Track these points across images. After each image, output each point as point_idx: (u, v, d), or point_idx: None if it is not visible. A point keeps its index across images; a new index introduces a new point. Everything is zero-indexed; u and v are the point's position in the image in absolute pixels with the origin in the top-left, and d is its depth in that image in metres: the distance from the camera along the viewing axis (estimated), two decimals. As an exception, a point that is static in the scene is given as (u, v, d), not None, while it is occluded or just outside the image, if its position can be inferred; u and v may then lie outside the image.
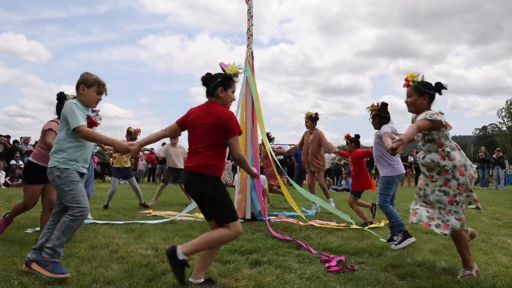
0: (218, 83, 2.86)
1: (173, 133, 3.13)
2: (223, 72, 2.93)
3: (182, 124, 2.96)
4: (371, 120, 4.61)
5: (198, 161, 2.73)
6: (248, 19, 6.08)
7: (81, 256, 3.53)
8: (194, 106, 2.99)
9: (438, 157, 2.99)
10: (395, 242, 4.05)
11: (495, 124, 44.03)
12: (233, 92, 2.98)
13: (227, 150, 2.88)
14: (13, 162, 13.63)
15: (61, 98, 4.05)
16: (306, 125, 7.35)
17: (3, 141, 13.97)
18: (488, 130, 54.08)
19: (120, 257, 3.55)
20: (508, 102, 43.03)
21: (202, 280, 2.78)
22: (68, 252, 3.68)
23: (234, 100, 3.00)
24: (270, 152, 6.46)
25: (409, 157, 18.54)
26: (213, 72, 2.98)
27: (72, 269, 3.12)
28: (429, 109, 3.08)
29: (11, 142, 14.51)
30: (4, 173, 12.98)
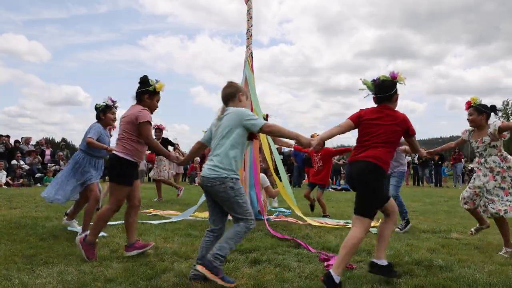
0: (396, 91, 3.14)
1: (348, 130, 3.22)
2: (392, 80, 3.13)
3: (357, 122, 3.15)
4: None
5: (376, 154, 2.95)
6: (248, 20, 6.09)
7: (82, 255, 3.56)
8: (365, 108, 3.20)
9: (498, 159, 3.94)
10: (400, 227, 5.16)
11: (492, 125, 43.89)
12: None
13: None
14: (14, 162, 13.66)
15: (145, 81, 3.64)
16: None
17: (4, 141, 14.00)
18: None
19: (121, 256, 3.58)
20: (505, 103, 42.95)
21: (386, 262, 2.98)
22: (68, 251, 3.72)
23: None
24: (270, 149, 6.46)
25: (407, 157, 18.58)
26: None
27: (73, 268, 3.15)
28: (486, 124, 4.02)
29: (12, 142, 14.54)
30: (5, 173, 13.00)
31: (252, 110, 6.10)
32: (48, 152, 15.98)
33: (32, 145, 15.81)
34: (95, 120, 4.76)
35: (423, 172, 18.00)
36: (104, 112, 4.65)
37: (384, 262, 3.00)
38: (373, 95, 3.22)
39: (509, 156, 3.97)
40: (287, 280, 2.99)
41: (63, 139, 49.64)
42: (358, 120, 3.15)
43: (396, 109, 3.19)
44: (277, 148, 11.13)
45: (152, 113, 3.65)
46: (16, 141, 14.74)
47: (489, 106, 4.06)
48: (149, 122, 3.47)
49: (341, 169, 17.82)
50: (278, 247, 4.04)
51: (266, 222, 5.33)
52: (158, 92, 3.66)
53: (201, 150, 3.40)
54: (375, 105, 3.20)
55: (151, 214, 6.47)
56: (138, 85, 3.67)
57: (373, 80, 3.24)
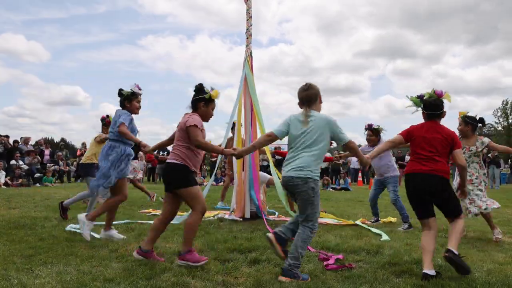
0: (443, 110, 3.45)
1: (398, 145, 3.59)
2: (440, 98, 3.43)
3: (408, 137, 3.46)
4: (371, 137, 5.90)
5: (439, 167, 3.28)
6: (247, 19, 6.09)
7: (81, 255, 3.56)
8: (415, 124, 3.52)
9: (478, 166, 4.73)
10: (402, 228, 5.39)
11: (491, 124, 43.72)
12: None
13: None
14: (13, 162, 13.65)
15: (200, 89, 3.59)
16: None
17: (3, 141, 13.99)
18: (484, 130, 54.11)
19: (120, 255, 3.58)
20: (504, 102, 43.13)
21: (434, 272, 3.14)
22: (68, 251, 3.71)
23: None
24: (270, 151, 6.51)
25: (406, 156, 18.60)
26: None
27: (72, 268, 3.15)
28: (473, 134, 4.74)
29: (11, 142, 14.53)
30: (4, 173, 12.99)
31: (252, 110, 6.10)
32: (47, 152, 15.99)
33: (31, 145, 15.81)
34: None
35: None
36: (130, 100, 4.31)
37: (433, 272, 3.11)
38: (423, 111, 3.46)
39: (483, 165, 4.84)
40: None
41: (62, 139, 49.74)
42: (408, 136, 3.44)
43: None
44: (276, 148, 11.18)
45: (207, 121, 3.64)
46: (15, 141, 14.73)
47: (477, 118, 4.71)
48: (196, 126, 3.40)
49: (341, 168, 17.84)
50: (277, 247, 4.04)
51: (265, 221, 5.33)
52: (214, 100, 3.62)
53: (272, 142, 3.47)
54: (424, 121, 3.47)
55: (150, 214, 6.47)
56: (193, 93, 3.61)
57: (419, 97, 3.48)
